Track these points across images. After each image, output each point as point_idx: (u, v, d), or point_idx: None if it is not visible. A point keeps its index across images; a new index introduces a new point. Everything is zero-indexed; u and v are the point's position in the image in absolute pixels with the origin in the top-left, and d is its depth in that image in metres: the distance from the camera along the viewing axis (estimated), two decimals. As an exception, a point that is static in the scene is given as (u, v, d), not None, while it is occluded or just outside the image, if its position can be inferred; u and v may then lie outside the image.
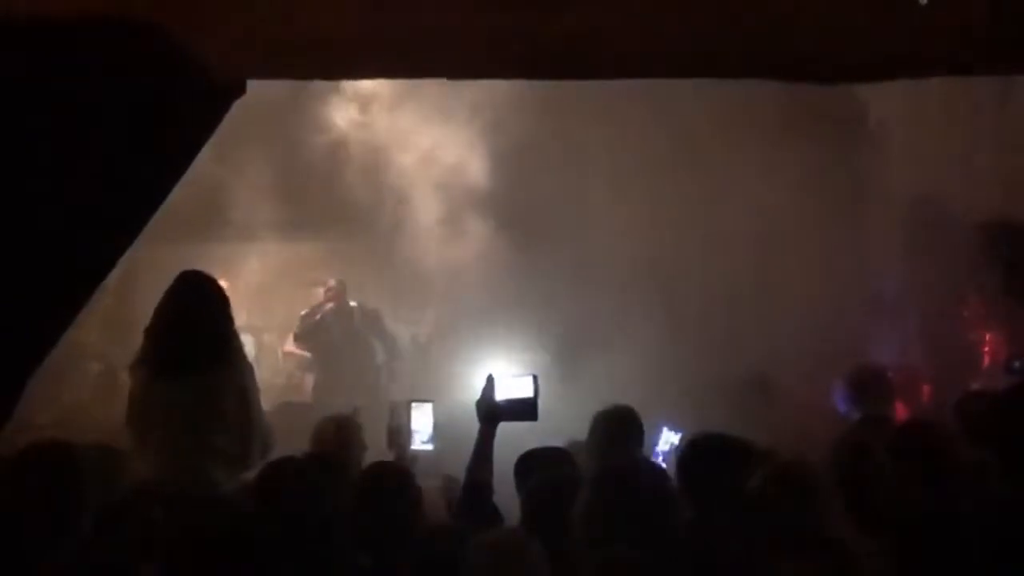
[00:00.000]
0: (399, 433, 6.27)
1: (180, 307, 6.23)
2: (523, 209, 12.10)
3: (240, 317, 12.35)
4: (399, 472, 5.24)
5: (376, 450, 6.86)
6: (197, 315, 6.23)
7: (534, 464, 5.64)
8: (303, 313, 12.43)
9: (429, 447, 6.22)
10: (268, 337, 13.07)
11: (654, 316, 11.22)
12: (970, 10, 5.22)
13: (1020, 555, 4.16)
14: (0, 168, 4.84)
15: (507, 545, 4.30)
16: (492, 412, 5.53)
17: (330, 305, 12.29)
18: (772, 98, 9.89)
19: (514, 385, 5.65)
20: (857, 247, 11.73)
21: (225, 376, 6.22)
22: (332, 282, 12.39)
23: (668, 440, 6.99)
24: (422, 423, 6.23)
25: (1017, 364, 9.48)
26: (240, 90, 5.41)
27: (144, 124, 5.03)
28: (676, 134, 11.53)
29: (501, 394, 5.58)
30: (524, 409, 5.62)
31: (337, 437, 6.79)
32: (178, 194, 11.93)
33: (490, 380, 5.58)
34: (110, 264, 5.21)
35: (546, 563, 4.22)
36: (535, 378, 5.65)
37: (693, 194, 11.52)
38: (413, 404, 6.32)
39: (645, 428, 6.52)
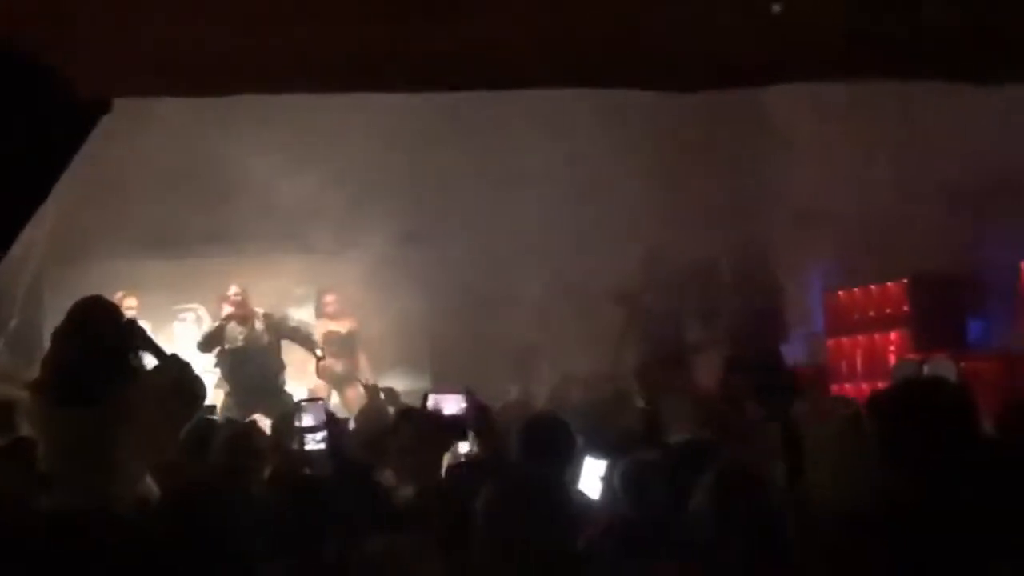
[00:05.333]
0: (293, 435, 6.32)
1: (79, 337, 6.19)
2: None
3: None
4: None
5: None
6: (97, 344, 6.18)
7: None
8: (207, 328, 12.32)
9: (323, 446, 6.25)
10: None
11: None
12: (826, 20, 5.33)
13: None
14: None
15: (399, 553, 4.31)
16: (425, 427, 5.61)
17: (231, 311, 12.00)
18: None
19: (446, 402, 5.75)
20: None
21: (131, 402, 6.20)
22: (234, 288, 12.03)
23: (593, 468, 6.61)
24: (314, 421, 6.26)
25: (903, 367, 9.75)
26: (106, 107, 5.40)
27: (6, 141, 5.01)
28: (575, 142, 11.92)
29: (434, 409, 5.67)
30: (453, 427, 5.73)
31: (233, 450, 6.82)
32: (84, 212, 12.09)
33: (425, 398, 5.67)
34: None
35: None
36: (468, 396, 5.75)
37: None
38: (303, 403, 6.37)
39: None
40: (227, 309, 12.02)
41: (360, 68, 5.59)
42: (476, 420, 5.97)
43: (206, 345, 12.02)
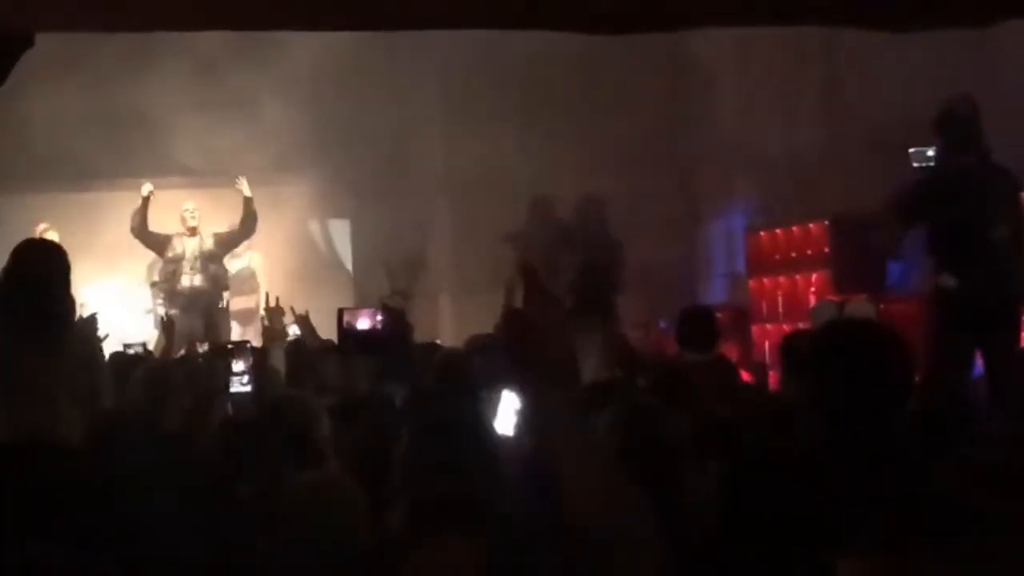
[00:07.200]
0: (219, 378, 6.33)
1: (23, 274, 6.12)
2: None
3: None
4: None
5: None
6: (41, 281, 6.10)
7: None
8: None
9: (248, 388, 6.26)
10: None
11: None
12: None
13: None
14: None
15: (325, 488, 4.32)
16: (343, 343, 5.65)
17: (182, 230, 11.95)
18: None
19: (359, 316, 5.79)
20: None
21: (69, 342, 6.15)
22: (189, 204, 11.98)
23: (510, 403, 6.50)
24: (240, 364, 6.27)
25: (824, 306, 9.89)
26: (28, 42, 5.33)
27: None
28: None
29: (349, 325, 5.71)
30: (374, 341, 5.79)
31: (151, 388, 6.80)
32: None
33: (339, 312, 5.70)
34: None
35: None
36: (384, 309, 5.78)
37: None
38: (229, 345, 6.37)
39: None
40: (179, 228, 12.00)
41: (279, 5, 5.54)
42: (394, 331, 5.99)
43: (155, 247, 11.90)
